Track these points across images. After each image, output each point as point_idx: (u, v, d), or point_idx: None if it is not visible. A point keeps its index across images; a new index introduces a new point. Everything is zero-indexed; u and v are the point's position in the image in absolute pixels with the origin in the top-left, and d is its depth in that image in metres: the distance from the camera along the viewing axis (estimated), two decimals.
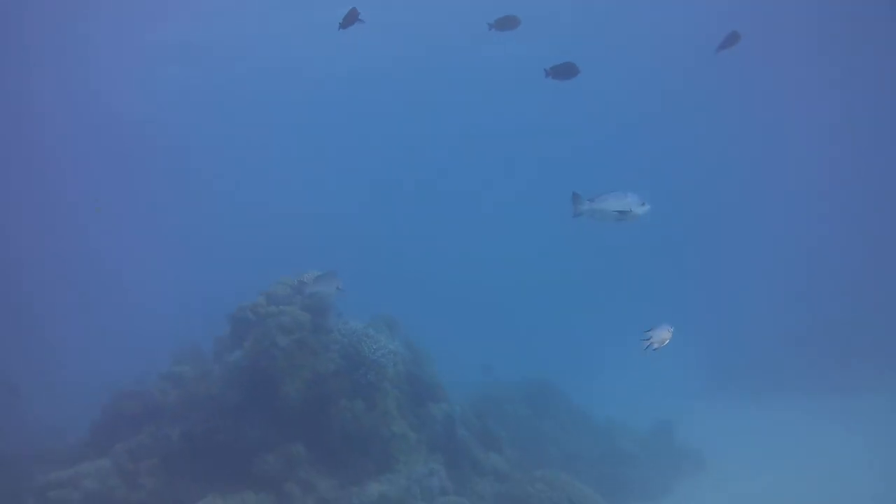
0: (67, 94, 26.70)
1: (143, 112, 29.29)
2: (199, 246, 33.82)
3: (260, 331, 9.39)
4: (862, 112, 28.64)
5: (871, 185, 32.58)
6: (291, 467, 8.81)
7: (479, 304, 24.61)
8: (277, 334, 9.27)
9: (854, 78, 26.01)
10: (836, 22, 21.47)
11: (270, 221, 35.10)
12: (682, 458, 13.91)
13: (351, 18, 8.07)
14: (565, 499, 9.41)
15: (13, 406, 13.66)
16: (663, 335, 5.90)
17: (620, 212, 5.97)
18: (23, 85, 24.65)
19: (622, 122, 33.47)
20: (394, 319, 11.30)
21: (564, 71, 7.46)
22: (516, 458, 11.13)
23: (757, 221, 34.33)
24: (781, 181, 35.98)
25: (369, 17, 7.92)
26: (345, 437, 9.37)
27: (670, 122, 32.62)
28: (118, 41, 23.17)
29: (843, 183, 33.71)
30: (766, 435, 14.40)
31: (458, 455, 10.25)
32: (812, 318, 20.42)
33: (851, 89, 26.89)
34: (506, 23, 8.30)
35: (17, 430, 12.22)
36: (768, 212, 35.25)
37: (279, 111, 32.65)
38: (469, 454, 10.35)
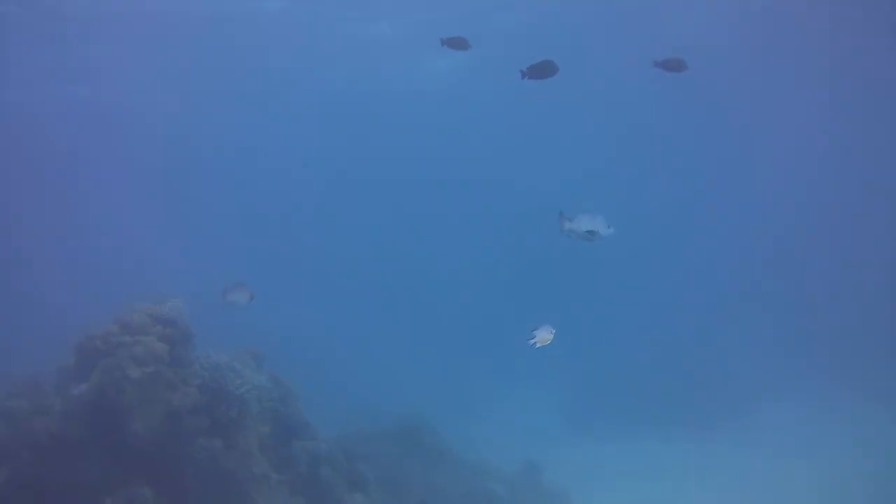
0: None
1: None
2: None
3: (110, 362, 8.62)
4: None
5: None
6: None
7: (352, 337, 24.11)
8: (129, 366, 8.56)
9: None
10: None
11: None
12: (549, 499, 14.18)
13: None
14: None
15: None
16: (545, 336, 6.35)
17: (590, 232, 6.23)
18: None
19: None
20: (260, 352, 10.83)
21: (542, 70, 7.13)
22: (382, 499, 10.87)
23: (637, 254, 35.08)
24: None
25: None
26: (200, 478, 8.76)
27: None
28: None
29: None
30: (633, 475, 15.00)
31: (321, 496, 9.89)
32: (675, 359, 21.72)
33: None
34: (456, 43, 8.22)
35: None
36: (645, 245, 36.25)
37: None
38: (333, 495, 10.01)
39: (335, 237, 36.96)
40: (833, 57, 23.78)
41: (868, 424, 16.68)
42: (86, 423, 8.56)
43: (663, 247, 33.60)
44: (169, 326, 9.48)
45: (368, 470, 11.36)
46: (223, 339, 10.24)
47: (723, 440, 16.67)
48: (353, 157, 35.62)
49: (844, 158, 31.39)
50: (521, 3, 21.00)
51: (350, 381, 18.17)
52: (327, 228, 37.70)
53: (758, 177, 33.36)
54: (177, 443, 8.75)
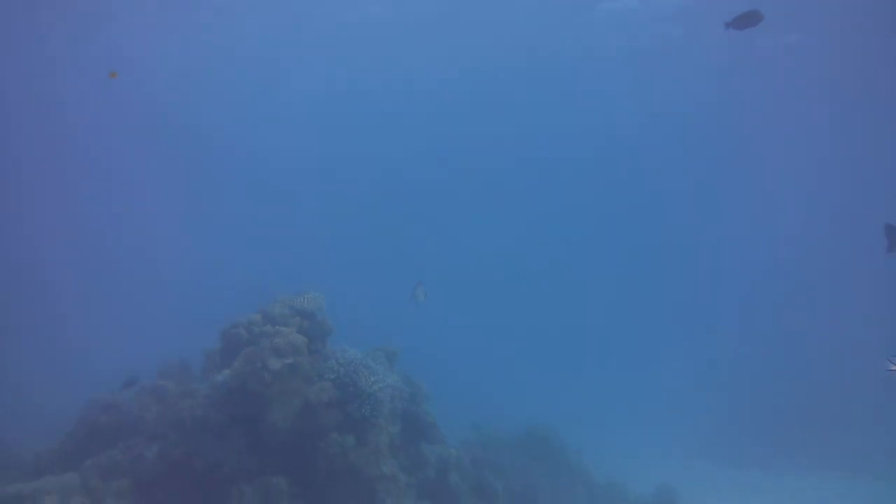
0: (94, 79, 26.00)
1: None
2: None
3: (251, 351, 8.80)
4: None
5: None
6: (269, 501, 8.15)
7: (481, 346, 23.86)
8: (269, 356, 8.69)
9: None
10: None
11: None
12: None
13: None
14: None
15: None
16: None
17: None
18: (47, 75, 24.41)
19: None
20: (393, 352, 10.70)
21: (747, 19, 7.19)
22: None
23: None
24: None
25: None
26: (331, 473, 8.73)
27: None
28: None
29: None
30: None
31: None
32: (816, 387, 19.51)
33: None
34: (747, 20, 7.66)
35: None
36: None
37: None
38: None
39: (465, 241, 37.03)
40: None
41: None
42: (227, 409, 8.79)
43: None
44: (307, 319, 9.58)
45: (496, 479, 10.94)
46: (356, 337, 10.25)
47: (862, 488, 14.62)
48: (482, 158, 35.35)
49: None
50: None
51: (476, 383, 17.88)
52: (457, 232, 37.80)
53: None
54: (311, 435, 8.78)
